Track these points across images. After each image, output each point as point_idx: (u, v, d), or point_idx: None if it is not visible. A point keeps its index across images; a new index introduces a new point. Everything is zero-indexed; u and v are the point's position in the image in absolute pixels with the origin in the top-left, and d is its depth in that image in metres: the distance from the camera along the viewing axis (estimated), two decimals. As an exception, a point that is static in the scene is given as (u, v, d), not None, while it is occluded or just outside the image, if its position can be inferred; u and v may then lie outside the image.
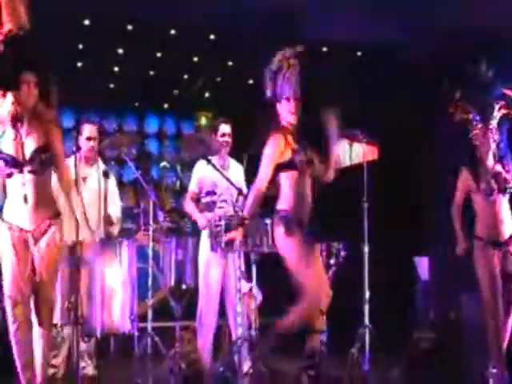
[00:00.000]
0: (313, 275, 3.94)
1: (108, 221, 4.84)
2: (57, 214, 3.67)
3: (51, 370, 4.68)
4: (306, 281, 3.88)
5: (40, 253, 3.54)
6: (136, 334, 4.83)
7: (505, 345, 4.47)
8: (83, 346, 4.69)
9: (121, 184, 8.04)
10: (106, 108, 8.09)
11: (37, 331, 3.58)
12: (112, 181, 5.08)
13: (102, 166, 5.01)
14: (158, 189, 7.74)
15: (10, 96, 3.41)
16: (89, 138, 4.90)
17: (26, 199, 3.47)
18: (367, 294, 5.21)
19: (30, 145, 3.49)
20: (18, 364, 3.58)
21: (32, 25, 3.63)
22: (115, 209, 5.05)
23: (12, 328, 3.55)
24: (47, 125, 3.55)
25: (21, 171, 3.45)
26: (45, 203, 3.56)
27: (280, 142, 3.97)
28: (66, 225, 4.67)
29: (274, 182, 4.02)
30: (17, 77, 3.40)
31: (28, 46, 3.47)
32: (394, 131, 6.71)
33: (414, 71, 6.62)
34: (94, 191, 4.77)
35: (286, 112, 4.01)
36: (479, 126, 4.44)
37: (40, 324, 3.57)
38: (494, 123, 4.41)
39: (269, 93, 4.02)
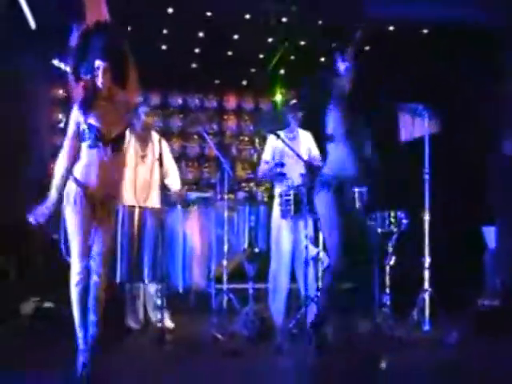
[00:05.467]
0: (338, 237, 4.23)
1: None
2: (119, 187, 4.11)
3: (133, 324, 5.23)
4: (332, 242, 4.22)
5: (103, 213, 3.86)
6: (213, 292, 5.30)
7: None
8: (159, 300, 5.08)
9: (202, 157, 8.65)
10: (189, 86, 8.59)
11: (93, 284, 3.82)
12: (167, 153, 5.44)
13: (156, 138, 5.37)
14: (235, 161, 8.21)
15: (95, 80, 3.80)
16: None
17: (104, 171, 3.81)
18: (428, 260, 5.45)
19: (115, 126, 3.84)
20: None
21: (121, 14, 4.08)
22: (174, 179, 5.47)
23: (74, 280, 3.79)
24: (124, 108, 3.92)
25: (105, 147, 3.81)
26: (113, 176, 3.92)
27: None
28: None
29: None
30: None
31: (107, 35, 3.82)
32: (460, 105, 6.79)
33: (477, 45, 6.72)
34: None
35: None
36: None
37: (99, 276, 3.84)
38: None
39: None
